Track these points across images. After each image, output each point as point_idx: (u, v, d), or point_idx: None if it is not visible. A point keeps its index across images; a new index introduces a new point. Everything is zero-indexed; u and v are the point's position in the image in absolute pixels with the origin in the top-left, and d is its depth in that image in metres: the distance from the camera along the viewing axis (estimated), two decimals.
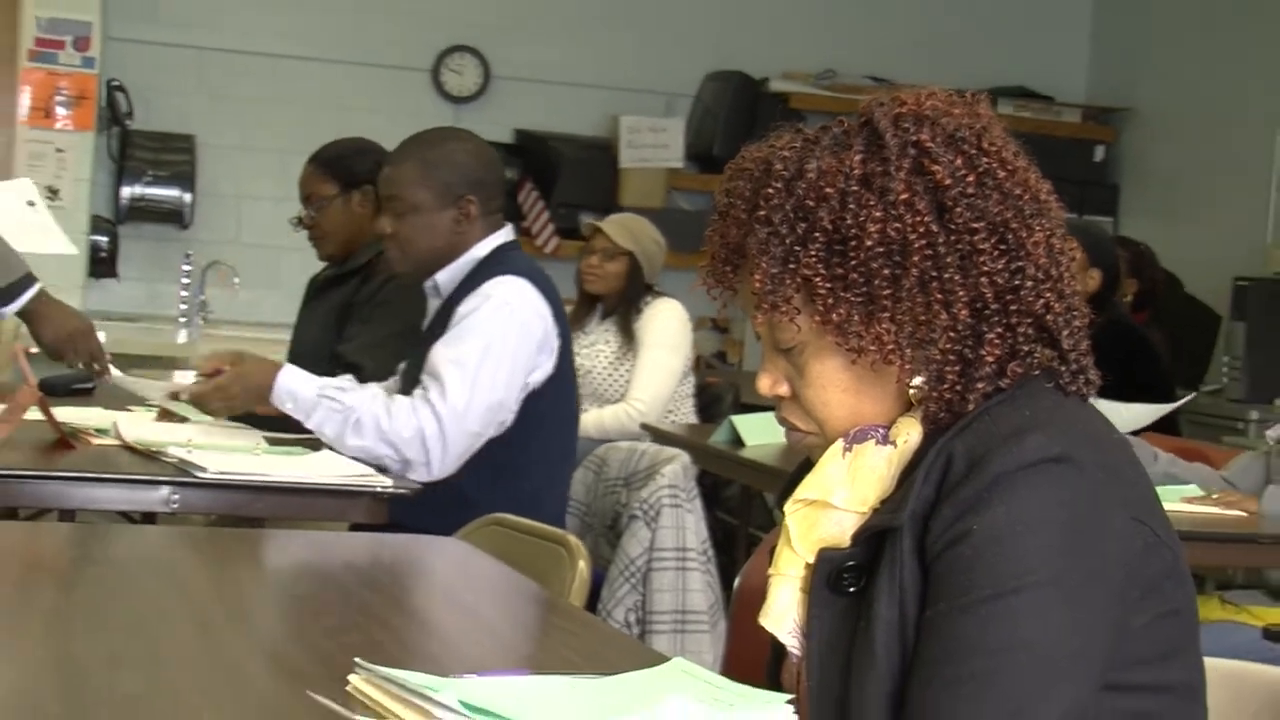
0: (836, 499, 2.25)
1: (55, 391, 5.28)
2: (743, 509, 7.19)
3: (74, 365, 3.94)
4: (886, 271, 2.20)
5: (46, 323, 3.72)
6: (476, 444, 4.63)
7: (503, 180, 5.12)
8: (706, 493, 5.67)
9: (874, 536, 2.19)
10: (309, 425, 4.59)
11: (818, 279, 2.22)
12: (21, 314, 3.95)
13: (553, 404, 4.87)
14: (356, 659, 2.17)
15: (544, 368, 4.77)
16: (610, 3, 11.54)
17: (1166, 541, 2.19)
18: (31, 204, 4.17)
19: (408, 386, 4.78)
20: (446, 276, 4.87)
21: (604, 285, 7.30)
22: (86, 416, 4.95)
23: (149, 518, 4.90)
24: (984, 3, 12.09)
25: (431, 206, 4.84)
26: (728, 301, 2.39)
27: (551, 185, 11.07)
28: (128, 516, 5.20)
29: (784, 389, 2.34)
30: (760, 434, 6.15)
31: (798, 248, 2.23)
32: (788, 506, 2.32)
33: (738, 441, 6.11)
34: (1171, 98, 11.51)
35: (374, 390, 4.74)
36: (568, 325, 4.93)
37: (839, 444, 2.28)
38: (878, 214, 2.20)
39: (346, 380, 4.80)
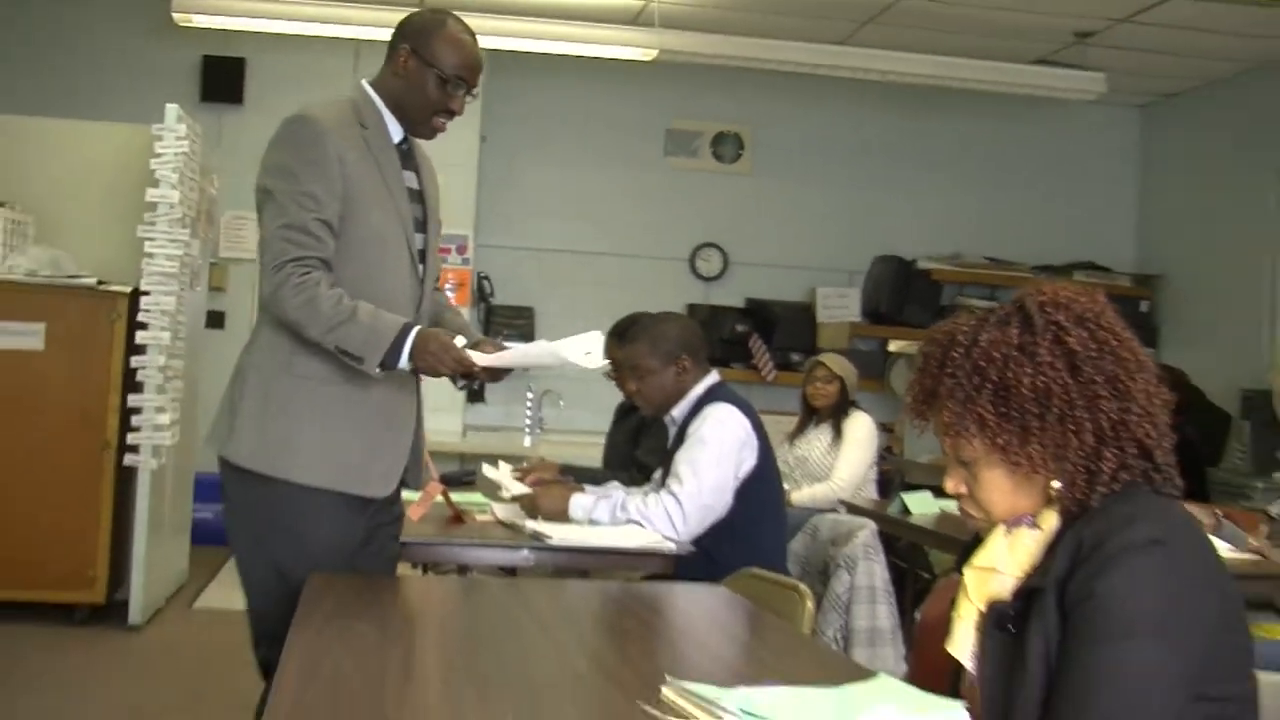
0: (1000, 566, 2.31)
1: (450, 482, 5.35)
2: (909, 557, 7.13)
3: (455, 380, 3.62)
4: (1036, 411, 2.24)
5: (420, 358, 3.52)
6: (709, 516, 4.60)
7: (704, 341, 5.07)
8: (884, 546, 5.63)
9: (1028, 593, 2.23)
10: (593, 516, 4.61)
11: (989, 416, 2.28)
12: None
13: (766, 489, 4.83)
14: (667, 675, 2.18)
15: (749, 461, 4.74)
16: (808, 211, 11.58)
17: (1229, 593, 2.19)
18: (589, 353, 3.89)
19: (662, 483, 4.80)
20: (678, 412, 4.89)
21: (825, 401, 7.30)
22: (471, 500, 5.03)
23: (511, 570, 4.93)
24: (1064, 203, 11.98)
25: (659, 369, 4.88)
26: (924, 428, 2.42)
27: (771, 335, 11.06)
28: (502, 568, 5.24)
29: (963, 489, 2.38)
30: (921, 506, 6.11)
31: (974, 394, 2.29)
32: (966, 570, 2.38)
33: (906, 511, 6.07)
34: (1188, 267, 11.32)
35: (632, 491, 4.81)
36: (765, 434, 4.88)
37: (1002, 528, 2.34)
38: (1029, 371, 2.25)
39: (613, 487, 4.86)
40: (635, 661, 2.61)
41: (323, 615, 2.85)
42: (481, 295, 11.07)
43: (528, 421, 10.82)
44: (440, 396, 10.81)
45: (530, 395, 10.82)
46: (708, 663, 2.67)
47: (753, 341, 11.06)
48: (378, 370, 3.49)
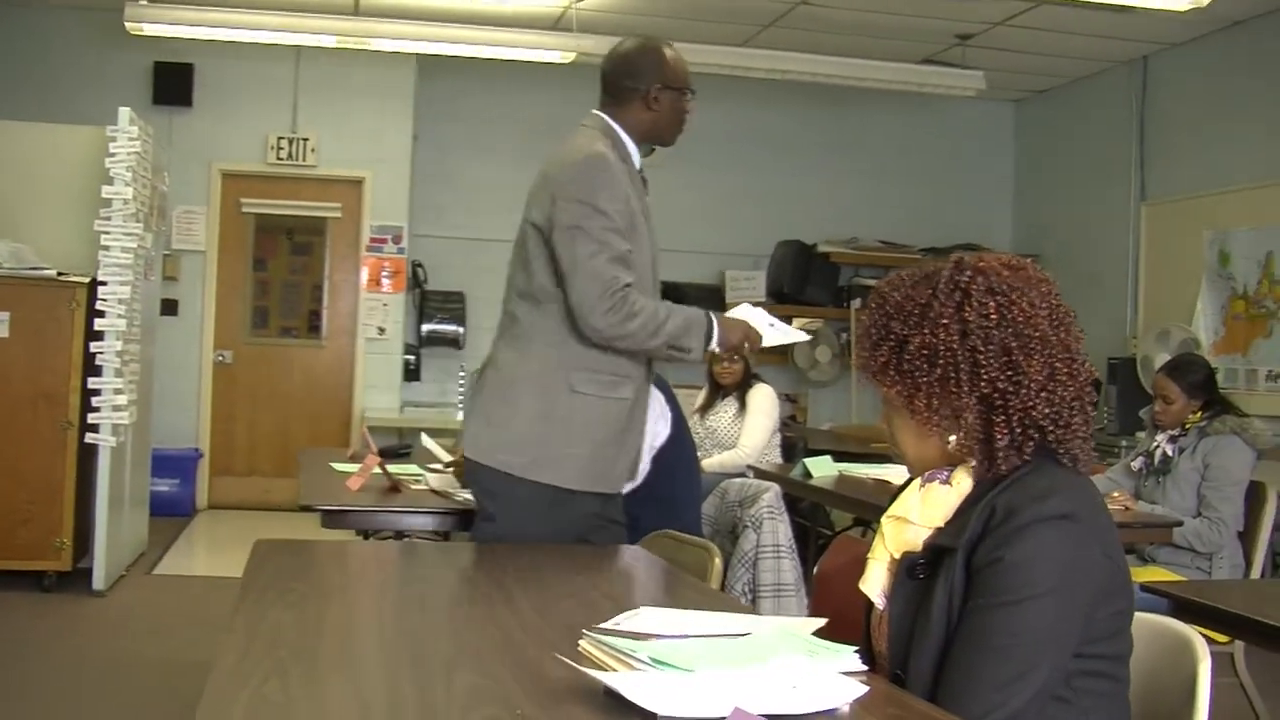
0: (913, 517, 2.29)
1: (387, 455, 5.32)
2: (811, 516, 7.16)
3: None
4: (924, 368, 2.23)
5: (725, 336, 3.77)
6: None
7: None
8: (788, 506, 5.63)
9: (939, 549, 2.21)
10: None
11: (889, 367, 2.29)
12: None
13: (680, 457, 4.79)
14: (584, 630, 2.18)
15: (663, 432, 4.68)
16: (717, 200, 11.57)
17: (1120, 565, 2.20)
18: (772, 324, 4.12)
19: None
20: None
21: (731, 379, 7.29)
22: (407, 470, 5.00)
23: (445, 534, 4.91)
24: (949, 190, 12.07)
25: None
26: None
27: None
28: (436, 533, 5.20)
29: (886, 427, 2.39)
30: (821, 469, 6.08)
31: (881, 344, 2.30)
32: (884, 519, 2.35)
33: (807, 474, 6.06)
34: (1060, 247, 11.43)
35: None
36: (679, 406, 4.85)
37: (918, 481, 2.33)
38: (925, 330, 2.24)
39: None
40: (556, 617, 2.60)
41: (266, 578, 2.82)
42: (416, 281, 11.02)
43: (460, 398, 10.78)
44: (379, 375, 10.82)
45: (463, 372, 10.77)
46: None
47: None
48: (699, 354, 3.78)
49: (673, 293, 11.13)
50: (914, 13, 9.45)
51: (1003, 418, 2.20)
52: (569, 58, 9.47)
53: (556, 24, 9.78)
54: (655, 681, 1.90)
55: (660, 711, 1.79)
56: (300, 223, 11.02)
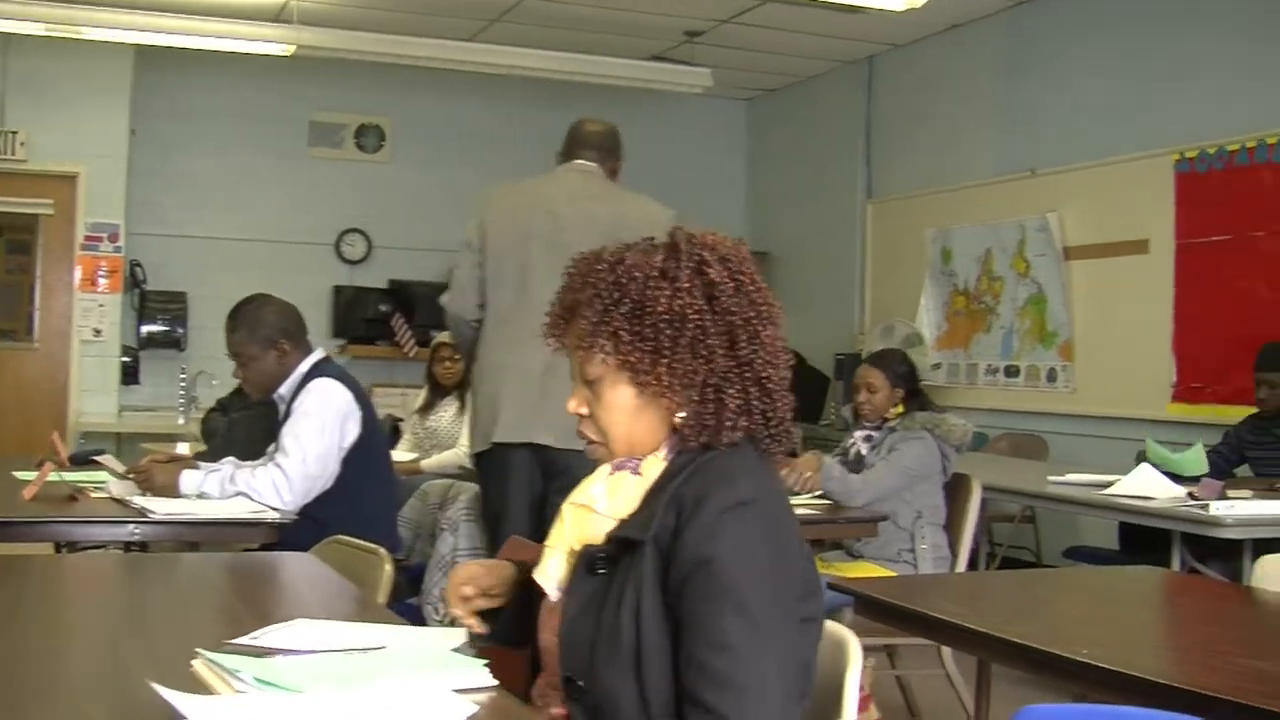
0: (599, 507, 2.18)
1: (77, 461, 5.07)
2: None
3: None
4: (670, 333, 2.13)
5: None
6: (315, 485, 4.44)
7: (302, 322, 4.86)
8: None
9: (623, 541, 2.10)
10: (203, 490, 4.38)
11: (623, 331, 2.15)
12: None
13: (371, 456, 4.69)
14: (198, 648, 2.02)
15: (352, 432, 4.58)
16: (445, 197, 11.33)
17: (812, 563, 2.17)
18: None
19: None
20: (284, 389, 4.68)
21: (452, 379, 7.17)
22: (90, 478, 4.73)
23: (144, 545, 4.68)
24: (679, 187, 12.07)
25: (259, 354, 4.66)
26: (557, 349, 2.28)
27: (412, 313, 10.87)
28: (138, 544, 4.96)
29: (585, 410, 2.23)
30: None
31: (612, 307, 2.16)
32: (565, 505, 2.24)
33: None
34: (791, 245, 11.58)
35: (243, 464, 4.59)
36: (370, 404, 4.76)
37: (607, 467, 2.22)
38: (668, 293, 2.14)
39: (226, 462, 4.64)
40: (194, 634, 2.41)
41: None
42: (134, 281, 10.64)
43: (180, 400, 10.44)
44: (95, 379, 10.41)
45: (184, 375, 10.44)
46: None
47: (395, 320, 10.90)
48: None
49: (401, 291, 11.03)
50: (643, 9, 9.44)
51: (739, 387, 2.15)
52: (289, 50, 9.20)
53: (278, 16, 9.52)
54: (246, 705, 1.76)
55: None
56: (10, 220, 10.50)
